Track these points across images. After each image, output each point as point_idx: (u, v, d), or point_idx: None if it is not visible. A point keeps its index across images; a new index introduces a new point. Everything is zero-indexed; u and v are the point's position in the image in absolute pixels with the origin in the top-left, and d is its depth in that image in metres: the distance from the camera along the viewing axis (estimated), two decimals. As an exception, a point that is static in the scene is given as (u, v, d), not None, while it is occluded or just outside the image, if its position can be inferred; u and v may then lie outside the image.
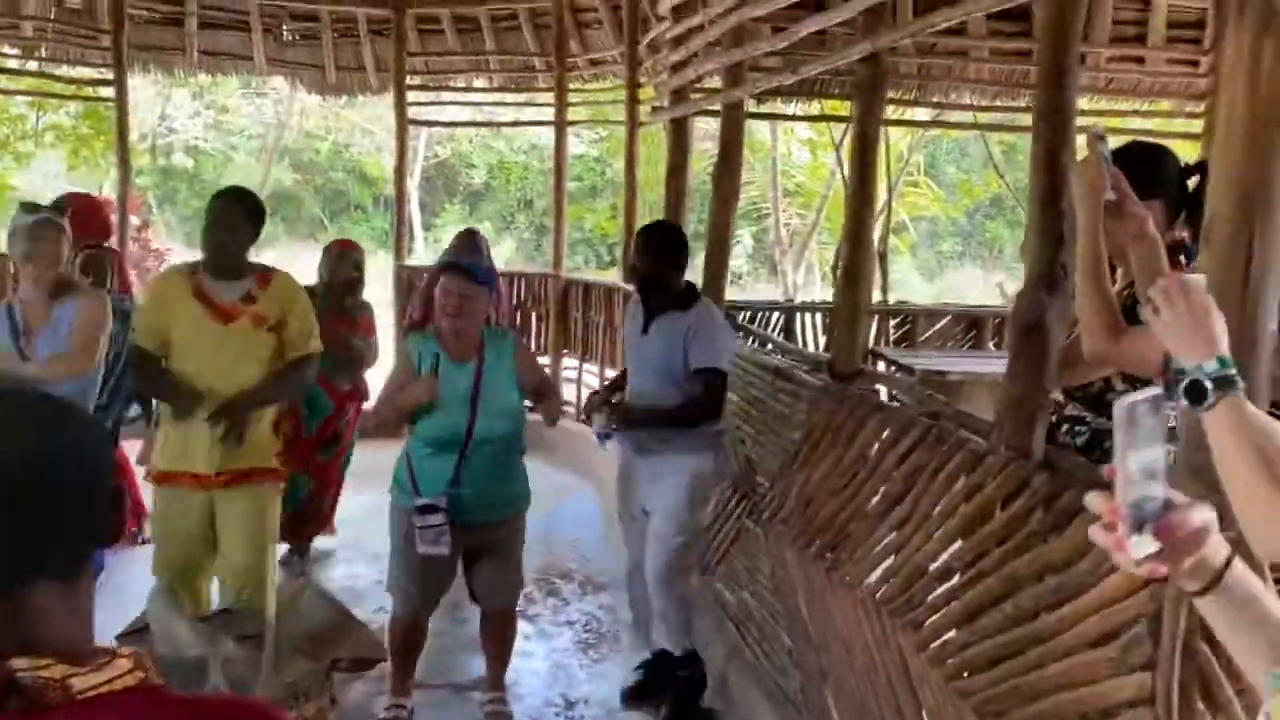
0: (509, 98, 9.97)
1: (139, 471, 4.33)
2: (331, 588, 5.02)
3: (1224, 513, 1.44)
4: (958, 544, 2.59)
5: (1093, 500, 1.06)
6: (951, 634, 2.54)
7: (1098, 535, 1.06)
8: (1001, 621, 2.32)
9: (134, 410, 4.88)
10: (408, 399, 3.53)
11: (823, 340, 7.48)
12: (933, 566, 2.68)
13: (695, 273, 4.74)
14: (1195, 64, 7.29)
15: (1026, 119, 2.90)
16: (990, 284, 16.33)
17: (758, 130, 15.92)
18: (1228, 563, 1.09)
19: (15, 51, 8.53)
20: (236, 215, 3.63)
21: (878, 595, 2.89)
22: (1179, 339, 1.43)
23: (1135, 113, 7.93)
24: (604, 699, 4.07)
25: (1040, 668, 2.17)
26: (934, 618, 2.62)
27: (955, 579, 2.57)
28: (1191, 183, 2.34)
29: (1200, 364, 1.38)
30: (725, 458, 4.21)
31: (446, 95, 9.85)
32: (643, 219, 9.03)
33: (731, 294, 11.15)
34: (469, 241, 5.75)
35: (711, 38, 5.30)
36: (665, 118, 6.08)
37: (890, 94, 7.32)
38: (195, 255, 3.93)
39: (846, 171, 5.50)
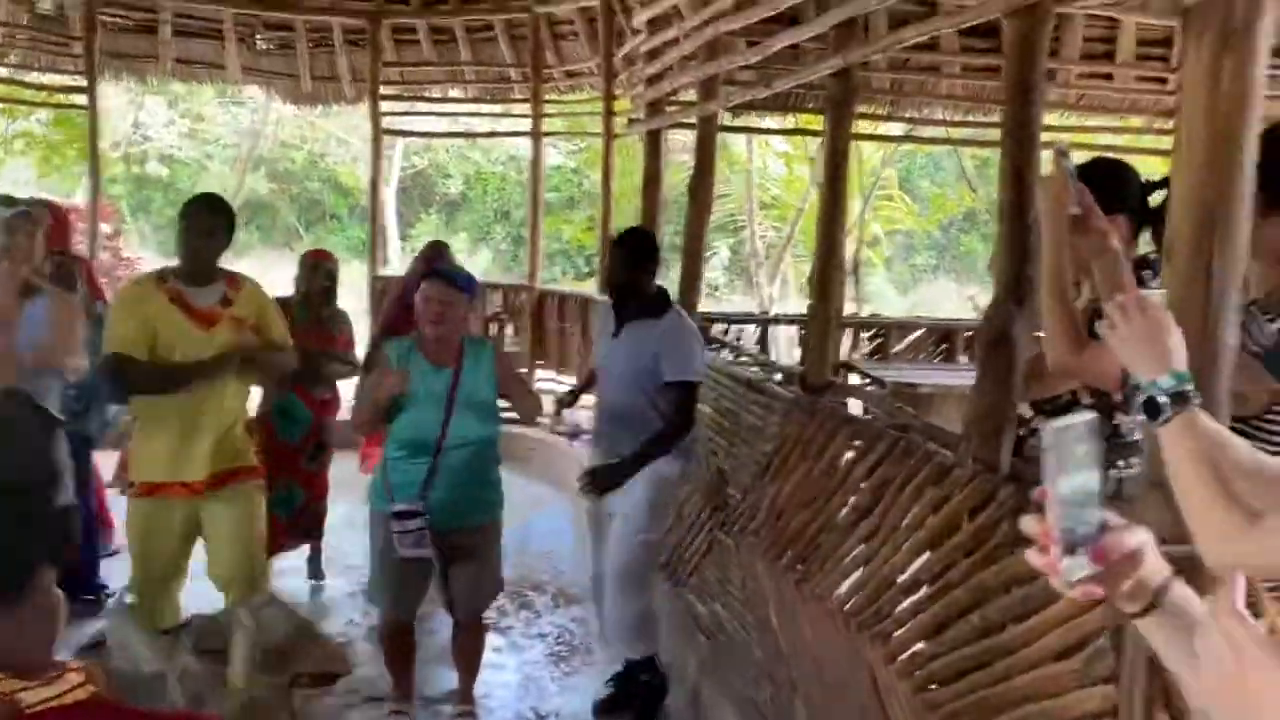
0: (486, 108, 9.97)
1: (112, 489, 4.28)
2: (305, 599, 5.00)
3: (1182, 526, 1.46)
4: (926, 556, 2.60)
5: (1026, 524, 1.06)
6: (919, 646, 2.55)
7: (1033, 558, 1.06)
8: (968, 633, 2.33)
9: (111, 416, 4.82)
10: (381, 393, 3.53)
11: (797, 352, 7.51)
12: (901, 578, 2.70)
13: (670, 284, 4.76)
14: (1164, 81, 7.39)
15: (998, 134, 2.95)
16: (964, 298, 16.45)
17: (734, 143, 15.99)
18: (1167, 583, 1.09)
19: (-15, 58, 8.46)
20: (213, 222, 3.63)
21: (847, 607, 2.90)
22: (1135, 354, 1.44)
23: (1105, 129, 8.02)
24: (575, 711, 4.05)
25: (1006, 679, 2.18)
26: (902, 630, 2.63)
27: (923, 591, 2.59)
28: (1155, 198, 2.36)
29: (1156, 379, 1.40)
30: (694, 464, 4.21)
31: (423, 105, 9.84)
32: (619, 231, 9.08)
33: (708, 305, 11.22)
34: (442, 253, 5.78)
35: (686, 51, 5.33)
36: (640, 130, 6.11)
37: (864, 109, 7.40)
38: (171, 263, 3.90)
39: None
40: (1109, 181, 2.29)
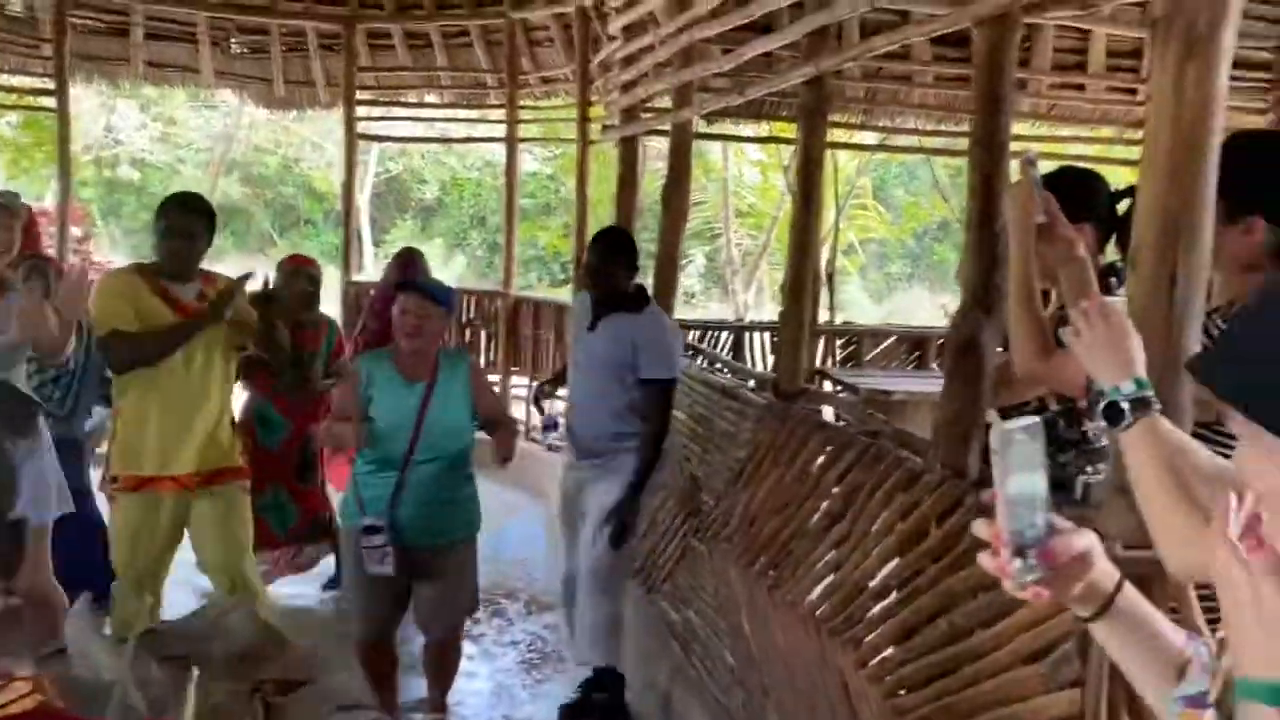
0: (462, 114, 9.94)
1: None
2: (277, 607, 4.94)
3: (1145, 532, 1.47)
4: (895, 561, 2.61)
5: (978, 528, 1.07)
6: (889, 651, 2.56)
7: (985, 561, 1.06)
8: (937, 639, 2.34)
9: (99, 419, 4.75)
10: (340, 439, 3.51)
11: (771, 359, 7.52)
12: (871, 584, 2.70)
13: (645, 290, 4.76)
14: (1134, 92, 7.48)
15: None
16: (937, 306, 16.55)
17: (710, 151, 16.04)
18: (1118, 587, 1.09)
19: (-48, 59, 8.36)
20: (193, 223, 3.60)
21: (818, 613, 2.90)
22: (1098, 360, 1.46)
23: (1077, 139, 8.10)
24: (547, 719, 4.03)
25: (974, 684, 2.18)
26: (872, 635, 2.64)
27: (893, 596, 2.59)
28: (1122, 206, 2.39)
29: (1118, 385, 1.41)
30: (667, 470, 4.20)
31: (398, 110, 9.81)
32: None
33: (684, 312, 11.22)
34: (414, 260, 5.76)
35: (661, 58, 5.34)
36: (615, 136, 6.10)
37: (837, 118, 7.43)
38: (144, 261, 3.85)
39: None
40: (1076, 190, 2.31)
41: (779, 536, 3.27)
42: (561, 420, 3.98)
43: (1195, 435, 1.60)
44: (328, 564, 4.99)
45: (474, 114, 9.83)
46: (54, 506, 3.59)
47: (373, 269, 16.70)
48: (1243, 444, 0.89)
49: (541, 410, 4.25)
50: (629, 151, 5.94)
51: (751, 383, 4.70)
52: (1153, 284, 1.79)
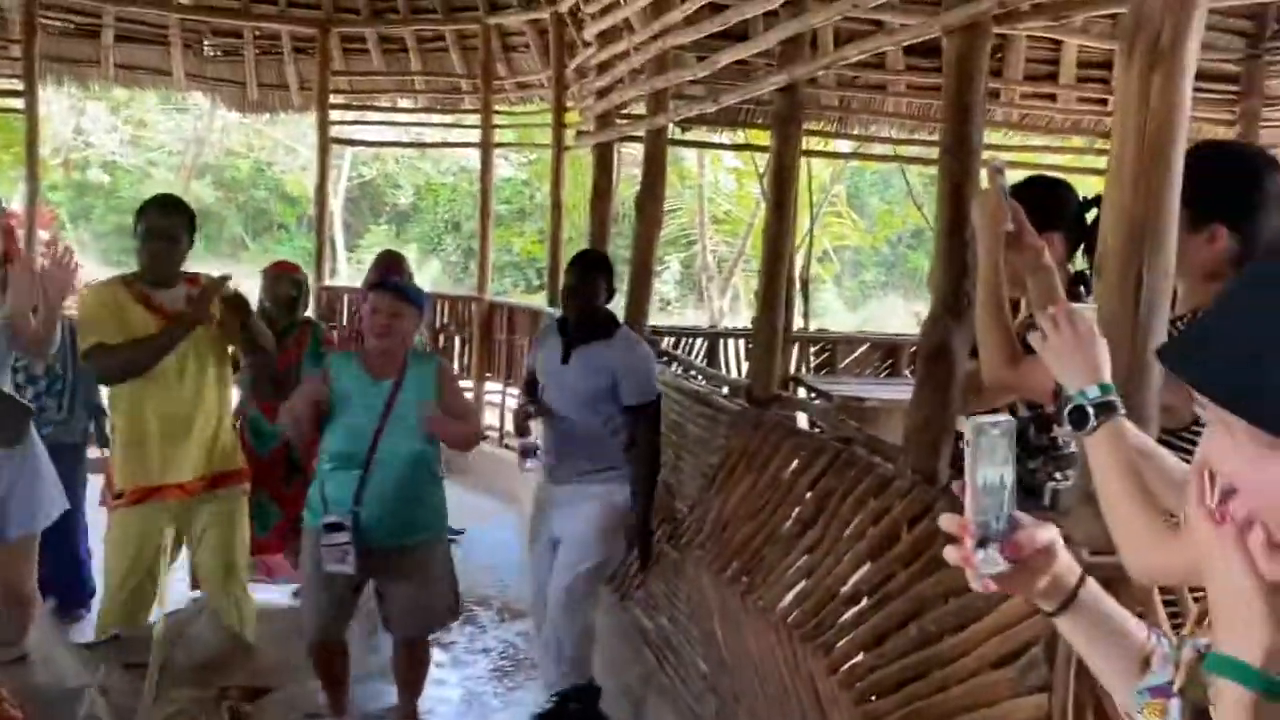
0: (436, 119, 9.91)
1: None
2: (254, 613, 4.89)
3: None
4: (867, 567, 2.62)
5: (946, 520, 1.09)
6: (860, 657, 2.57)
7: (950, 553, 1.07)
8: (907, 644, 2.35)
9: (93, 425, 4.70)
10: (302, 399, 3.48)
11: (745, 366, 7.54)
12: (843, 589, 2.71)
13: (620, 297, 4.75)
14: (1105, 102, 7.55)
15: (940, 152, 3.06)
16: (911, 313, 16.66)
17: (686, 158, 16.09)
18: (1080, 581, 1.11)
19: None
20: (175, 225, 3.56)
21: (789, 619, 2.91)
22: (1065, 365, 1.47)
23: (1048, 148, 8.18)
24: (519, 727, 4.02)
25: (944, 689, 2.20)
26: (843, 641, 2.65)
27: (864, 602, 2.60)
28: (1091, 215, 2.41)
29: (1084, 389, 1.42)
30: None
31: (373, 115, 9.78)
32: (570, 243, 9.05)
33: (659, 319, 11.23)
34: (396, 264, 5.75)
35: (636, 64, 5.35)
36: (590, 142, 6.11)
37: (812, 125, 7.47)
38: (112, 271, 3.82)
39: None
40: (1045, 199, 2.33)
41: (751, 542, 3.28)
42: (540, 445, 3.93)
43: (1161, 442, 1.62)
44: None
45: (449, 119, 9.81)
46: (46, 513, 3.55)
47: (346, 274, 16.63)
48: (1210, 428, 0.91)
49: (526, 432, 4.11)
50: (604, 158, 5.94)
51: (725, 389, 4.72)
52: (1118, 291, 1.81)
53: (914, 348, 7.94)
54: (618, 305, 4.35)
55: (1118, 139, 1.82)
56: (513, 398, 7.96)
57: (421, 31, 8.76)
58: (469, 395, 8.13)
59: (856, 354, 8.21)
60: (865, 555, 2.62)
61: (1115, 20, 6.64)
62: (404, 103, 9.50)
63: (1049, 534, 1.08)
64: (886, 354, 8.24)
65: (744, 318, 16.33)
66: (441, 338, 8.50)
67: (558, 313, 4.99)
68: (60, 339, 4.05)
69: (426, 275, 17.87)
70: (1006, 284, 2.08)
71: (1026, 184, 2.41)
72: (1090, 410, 1.42)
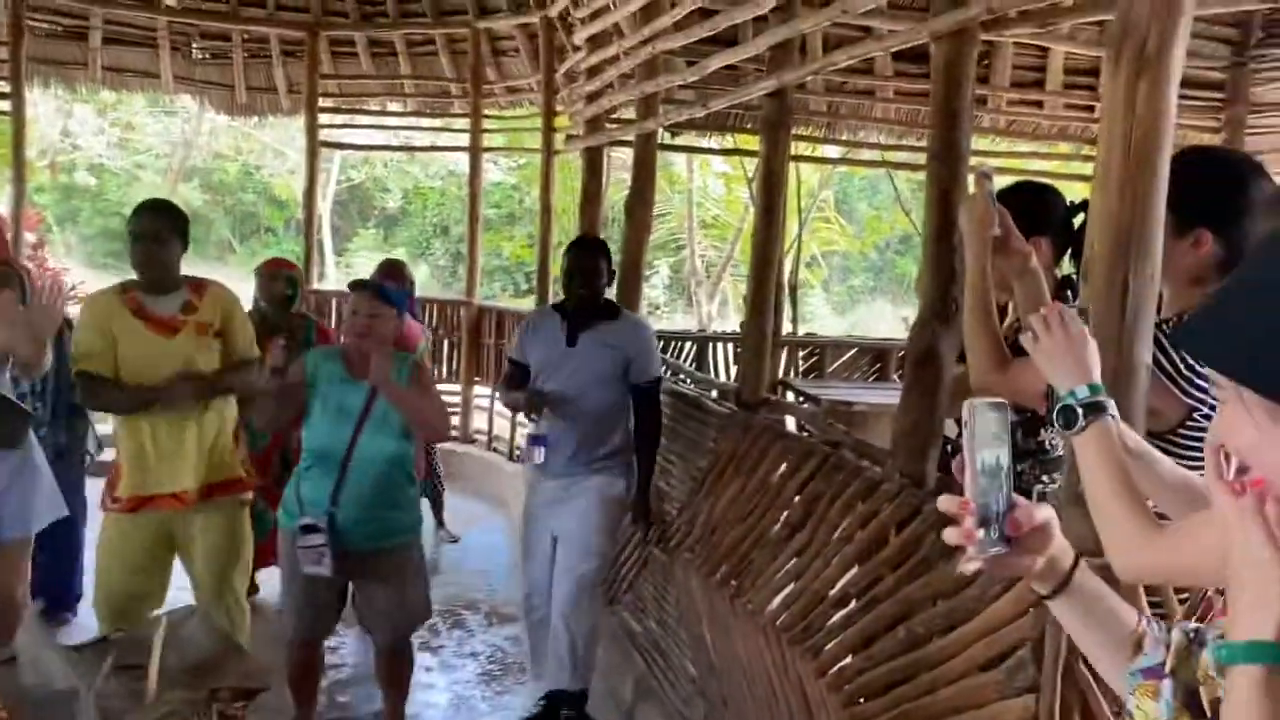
0: (425, 123, 9.91)
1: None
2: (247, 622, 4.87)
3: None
4: (855, 570, 2.63)
5: (944, 501, 1.11)
6: (848, 660, 2.57)
7: (950, 534, 1.10)
8: (895, 647, 2.36)
9: (93, 446, 4.67)
10: (263, 410, 3.48)
11: (735, 370, 7.56)
12: (831, 592, 2.72)
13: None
14: (1091, 109, 7.61)
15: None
16: (899, 319, 16.72)
17: (675, 163, 16.11)
18: (1076, 563, 1.14)
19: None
20: (158, 225, 3.53)
21: (778, 622, 2.91)
22: (1055, 365, 1.49)
23: (1035, 154, 8.23)
24: (507, 731, 4.01)
25: (932, 692, 2.20)
26: (832, 644, 2.65)
27: (852, 605, 2.61)
28: (1078, 220, 2.43)
29: (1073, 389, 1.44)
30: (633, 480, 4.19)
31: (362, 119, 9.77)
32: (559, 247, 9.05)
33: (642, 318, 11.21)
34: (398, 270, 5.86)
35: (626, 69, 5.36)
36: (580, 147, 6.12)
37: (800, 131, 7.50)
38: (98, 276, 3.78)
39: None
40: (1032, 205, 2.35)
41: (740, 546, 3.28)
42: (548, 435, 3.88)
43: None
44: None
45: (438, 123, 9.81)
46: (41, 517, 3.52)
47: (334, 278, 16.60)
48: (1224, 406, 0.93)
49: (539, 413, 3.95)
50: (593, 162, 5.95)
51: (714, 393, 4.73)
52: (1105, 295, 1.82)
53: (902, 352, 7.99)
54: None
55: (1104, 145, 1.84)
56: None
57: (411, 35, 8.76)
58: (458, 399, 8.15)
59: (844, 358, 8.23)
60: (853, 558, 2.63)
61: (1101, 27, 6.69)
62: (393, 106, 9.50)
63: (1046, 513, 1.11)
64: (874, 359, 8.27)
65: (732, 322, 16.38)
66: (430, 341, 8.49)
67: (542, 307, 4.99)
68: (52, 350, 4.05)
69: (415, 279, 17.84)
70: (994, 288, 2.09)
71: (1014, 189, 2.43)
72: (1079, 410, 1.43)
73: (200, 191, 21.12)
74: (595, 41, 5.83)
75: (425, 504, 5.16)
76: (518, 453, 7.45)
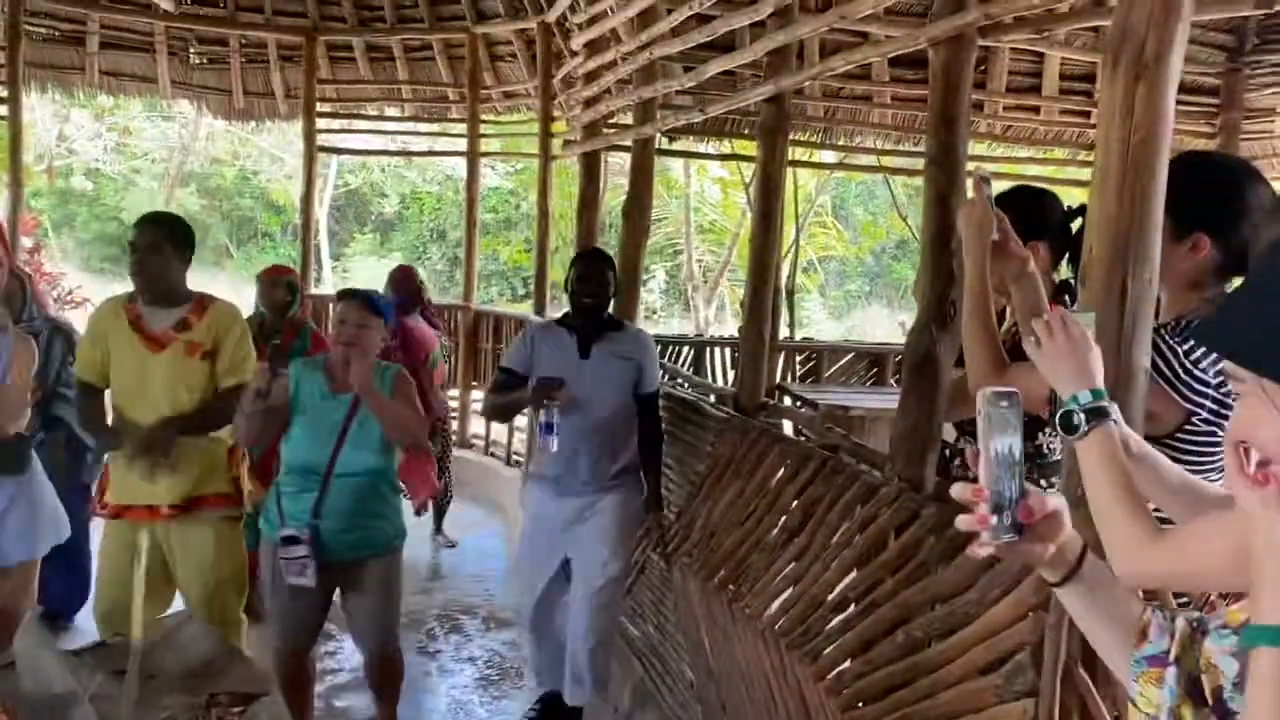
0: (422, 127, 9.91)
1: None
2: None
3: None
4: (853, 574, 2.63)
5: (958, 489, 1.13)
6: (847, 664, 2.57)
7: (962, 520, 1.12)
8: (894, 651, 2.36)
9: (92, 461, 4.67)
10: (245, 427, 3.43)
11: (732, 374, 7.56)
12: (829, 597, 2.72)
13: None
14: (1087, 114, 7.63)
15: (925, 162, 3.09)
16: (895, 323, 16.74)
17: (672, 168, 16.14)
18: (1084, 552, 1.16)
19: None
20: (157, 236, 3.48)
21: (776, 626, 2.91)
22: (1057, 369, 1.49)
23: (1031, 160, 8.25)
24: (504, 736, 4.01)
25: (930, 696, 2.20)
26: (830, 648, 2.65)
27: (850, 609, 2.61)
28: (1075, 224, 2.43)
29: (1075, 394, 1.44)
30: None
31: (359, 124, 9.77)
32: (556, 252, 9.08)
33: (646, 328, 11.21)
34: (408, 277, 5.92)
35: (623, 74, 5.37)
36: (577, 152, 6.12)
37: (798, 136, 7.51)
38: (94, 280, 3.78)
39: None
40: (1030, 209, 2.36)
41: (738, 550, 3.28)
42: (558, 423, 3.79)
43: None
44: None
45: (435, 128, 9.80)
46: (45, 539, 3.51)
47: (331, 283, 16.59)
48: (1243, 400, 0.94)
49: (551, 400, 3.87)
50: (591, 167, 5.95)
51: (712, 397, 4.73)
52: (1103, 298, 1.82)
53: (899, 357, 8.01)
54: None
55: (1102, 149, 1.84)
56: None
57: (408, 40, 8.77)
58: (455, 404, 8.14)
59: (842, 363, 8.24)
60: (852, 562, 2.63)
61: (1097, 33, 6.71)
62: (390, 111, 9.51)
63: (1058, 501, 1.13)
64: (872, 363, 8.28)
65: (730, 326, 16.41)
66: (448, 351, 8.49)
67: (542, 320, 4.98)
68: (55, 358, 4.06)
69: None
70: (992, 293, 2.10)
71: (1011, 193, 2.44)
72: (1081, 415, 1.44)
73: (197, 196, 21.10)
74: (593, 47, 5.84)
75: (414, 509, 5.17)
76: (515, 457, 7.45)
